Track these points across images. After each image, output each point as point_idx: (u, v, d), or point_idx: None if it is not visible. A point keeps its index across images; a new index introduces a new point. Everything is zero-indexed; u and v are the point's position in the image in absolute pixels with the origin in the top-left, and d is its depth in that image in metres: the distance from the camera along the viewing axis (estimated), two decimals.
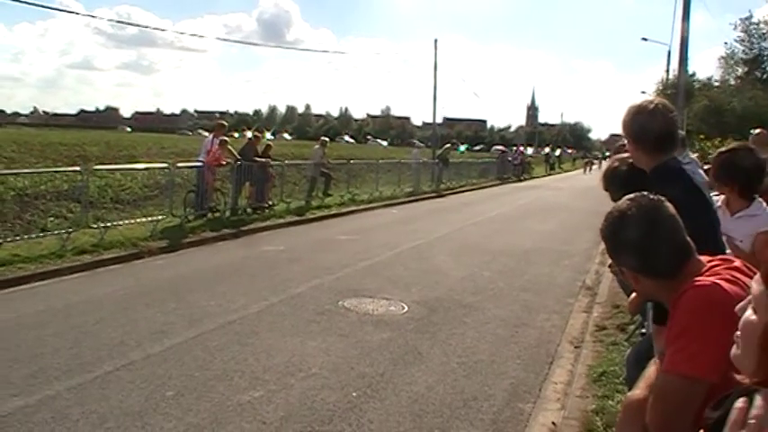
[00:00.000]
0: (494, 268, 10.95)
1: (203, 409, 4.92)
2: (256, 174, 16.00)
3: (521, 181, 39.41)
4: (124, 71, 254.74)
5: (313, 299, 8.28)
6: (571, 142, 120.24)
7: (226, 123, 16.62)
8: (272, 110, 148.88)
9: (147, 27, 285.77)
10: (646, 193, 2.04)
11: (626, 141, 2.92)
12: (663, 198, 1.99)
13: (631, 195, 2.05)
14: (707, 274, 1.90)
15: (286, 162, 19.06)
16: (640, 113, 2.76)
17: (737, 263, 1.92)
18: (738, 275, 1.83)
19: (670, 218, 1.96)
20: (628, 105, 2.86)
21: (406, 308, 8.07)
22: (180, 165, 15.17)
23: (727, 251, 2.80)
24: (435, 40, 34.14)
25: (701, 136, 20.67)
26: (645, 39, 40.10)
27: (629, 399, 2.30)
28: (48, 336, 6.49)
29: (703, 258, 1.97)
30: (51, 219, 12.49)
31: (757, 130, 8.03)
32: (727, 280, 1.82)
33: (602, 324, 7.42)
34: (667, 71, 37.23)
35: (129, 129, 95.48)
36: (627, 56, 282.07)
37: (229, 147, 15.54)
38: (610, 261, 2.11)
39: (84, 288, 8.67)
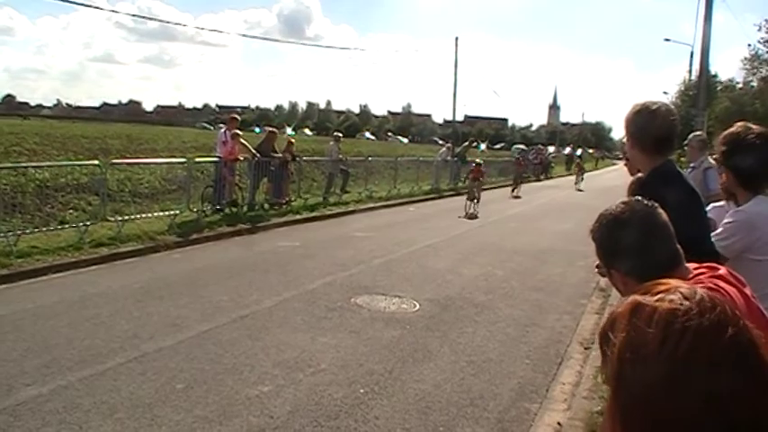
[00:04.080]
0: (508, 267, 10.94)
1: (212, 402, 4.98)
2: (274, 169, 16.09)
3: (540, 180, 39.23)
4: (146, 65, 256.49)
5: (325, 295, 8.33)
6: (592, 142, 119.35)
7: (238, 117, 16.27)
8: (293, 105, 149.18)
9: (167, 22, 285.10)
10: (639, 198, 2.04)
11: (624, 139, 2.96)
12: (656, 204, 1.99)
13: (625, 199, 2.05)
14: (691, 281, 1.90)
15: (304, 158, 19.09)
16: (642, 113, 2.80)
17: (722, 271, 1.92)
18: (720, 283, 1.82)
19: (664, 224, 1.95)
20: (632, 104, 2.89)
21: (418, 306, 8.10)
22: (198, 159, 15.28)
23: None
24: (456, 38, 34.16)
25: None
26: (667, 39, 39.82)
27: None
28: (62, 327, 6.60)
29: (690, 266, 1.97)
30: (70, 211, 12.62)
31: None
32: (708, 288, 1.82)
33: None
34: (689, 72, 36.99)
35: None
36: (648, 55, 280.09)
37: (243, 141, 15.34)
38: (597, 262, 2.10)
39: (101, 280, 8.79)
